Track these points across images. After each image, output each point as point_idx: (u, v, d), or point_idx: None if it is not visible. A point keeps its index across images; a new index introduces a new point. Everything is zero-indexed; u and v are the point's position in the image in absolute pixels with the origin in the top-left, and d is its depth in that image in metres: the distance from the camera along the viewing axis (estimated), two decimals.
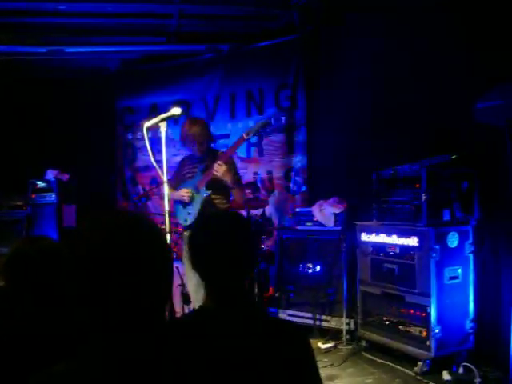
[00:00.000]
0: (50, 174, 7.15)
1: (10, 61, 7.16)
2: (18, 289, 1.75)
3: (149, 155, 3.62)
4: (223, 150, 4.93)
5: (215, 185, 4.49)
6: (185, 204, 4.62)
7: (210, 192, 4.48)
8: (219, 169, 4.34)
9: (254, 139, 6.74)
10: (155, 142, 4.98)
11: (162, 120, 3.44)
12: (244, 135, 4.47)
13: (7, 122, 7.41)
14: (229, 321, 1.61)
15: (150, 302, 1.13)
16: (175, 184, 4.70)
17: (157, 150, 3.88)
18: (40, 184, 7.12)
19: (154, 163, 3.51)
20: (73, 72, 7.84)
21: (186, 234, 4.53)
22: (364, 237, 4.74)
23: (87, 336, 1.50)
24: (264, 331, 1.61)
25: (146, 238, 1.16)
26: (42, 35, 6.58)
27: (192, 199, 4.56)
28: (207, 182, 4.49)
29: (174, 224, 5.14)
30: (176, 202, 4.68)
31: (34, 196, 7.12)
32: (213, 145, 4.97)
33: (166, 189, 3.45)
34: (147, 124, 3.59)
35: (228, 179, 4.45)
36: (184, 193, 4.54)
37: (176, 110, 3.39)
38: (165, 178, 3.45)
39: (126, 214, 1.34)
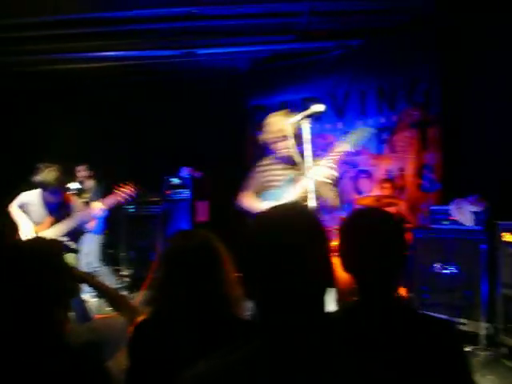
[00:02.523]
0: (185, 172, 7.49)
1: (146, 64, 7.61)
2: (174, 280, 1.81)
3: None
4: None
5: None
6: None
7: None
8: (322, 175, 3.72)
9: (385, 135, 6.62)
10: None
11: (305, 117, 3.42)
12: (344, 145, 3.88)
13: (145, 123, 7.87)
14: (381, 316, 1.59)
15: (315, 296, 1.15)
16: (254, 192, 4.15)
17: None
18: (175, 181, 7.49)
19: (299, 159, 3.48)
20: (204, 73, 8.14)
21: None
22: (506, 237, 4.48)
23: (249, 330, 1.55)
24: (416, 327, 1.58)
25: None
26: (176, 39, 6.90)
27: None
28: (301, 195, 3.83)
29: None
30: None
31: (169, 192, 7.50)
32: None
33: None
34: (290, 120, 3.60)
35: (330, 187, 3.92)
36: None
37: (318, 107, 3.35)
38: (305, 172, 3.44)
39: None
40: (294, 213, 1.23)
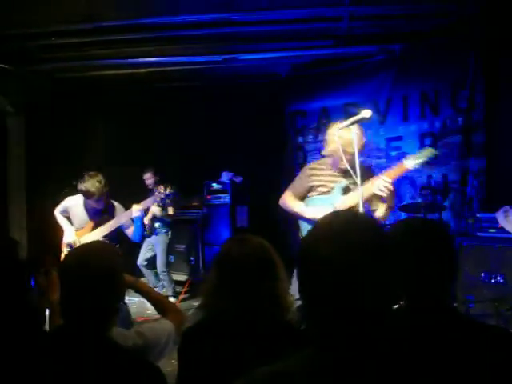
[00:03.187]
0: (225, 176, 7.53)
1: (187, 70, 7.68)
2: (227, 287, 1.80)
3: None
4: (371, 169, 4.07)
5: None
6: None
7: None
8: (388, 187, 3.58)
9: (428, 141, 6.52)
10: None
11: (353, 123, 3.36)
12: (406, 165, 3.71)
13: (186, 126, 7.94)
14: (432, 323, 1.56)
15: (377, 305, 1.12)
16: (300, 194, 4.04)
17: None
18: (215, 186, 7.54)
19: (358, 167, 3.40)
20: (245, 78, 8.18)
21: None
22: None
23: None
24: (470, 335, 1.54)
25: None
26: (217, 45, 6.95)
27: None
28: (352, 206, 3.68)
29: None
30: (302, 219, 3.98)
31: (209, 197, 7.55)
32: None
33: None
34: (339, 126, 3.56)
35: (391, 201, 3.76)
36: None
37: (366, 113, 3.28)
38: (359, 181, 3.39)
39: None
40: (360, 223, 1.19)
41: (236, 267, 1.75)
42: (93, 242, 2.01)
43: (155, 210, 6.37)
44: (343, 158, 3.64)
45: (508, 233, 4.95)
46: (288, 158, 7.90)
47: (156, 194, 4.93)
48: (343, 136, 3.64)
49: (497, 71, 5.95)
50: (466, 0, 5.80)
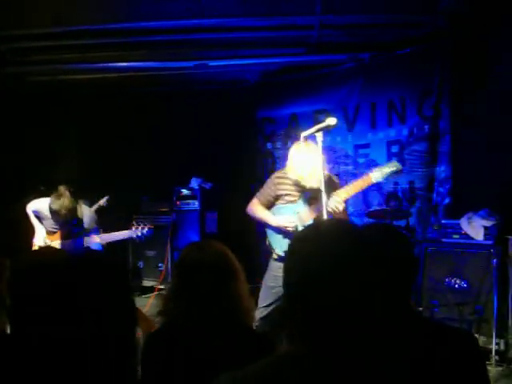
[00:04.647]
0: (194, 182, 7.52)
1: (157, 76, 7.66)
2: (188, 292, 1.81)
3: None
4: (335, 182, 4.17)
5: None
6: (284, 233, 4.00)
7: None
8: (338, 208, 3.71)
9: (395, 148, 6.62)
10: None
11: (318, 130, 3.42)
12: (372, 178, 3.84)
13: (155, 133, 7.91)
14: (400, 328, 1.59)
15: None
16: (267, 202, 4.16)
17: None
18: (184, 191, 7.51)
19: (323, 178, 3.48)
20: (215, 84, 8.19)
21: (279, 264, 3.99)
22: None
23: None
24: (432, 337, 1.58)
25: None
26: (188, 51, 6.96)
27: (295, 232, 3.87)
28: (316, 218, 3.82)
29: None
30: (269, 227, 4.09)
31: (178, 203, 7.52)
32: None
33: None
34: (304, 134, 3.61)
35: (343, 215, 3.89)
36: (288, 223, 3.91)
37: (331, 120, 3.36)
38: (322, 187, 3.44)
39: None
40: (345, 230, 1.24)
41: (193, 272, 1.77)
42: (42, 248, 2.00)
43: None
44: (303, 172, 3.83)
45: (471, 239, 5.05)
46: (257, 164, 7.92)
47: (133, 230, 4.85)
48: (303, 165, 3.84)
49: (462, 80, 6.08)
50: (435, 12, 5.93)
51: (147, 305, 6.80)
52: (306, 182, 3.91)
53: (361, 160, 6.95)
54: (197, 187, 7.34)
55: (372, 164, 6.77)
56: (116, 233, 4.77)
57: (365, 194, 6.89)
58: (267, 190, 4.18)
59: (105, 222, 5.30)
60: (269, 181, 4.21)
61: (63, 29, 5.89)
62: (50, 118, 7.52)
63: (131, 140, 7.91)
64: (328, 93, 7.30)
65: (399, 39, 6.65)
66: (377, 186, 6.77)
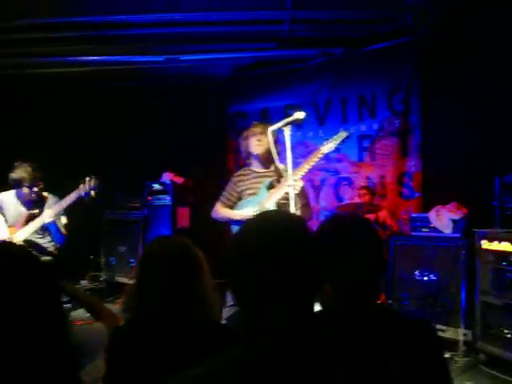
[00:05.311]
0: (166, 177, 7.46)
1: (128, 70, 7.59)
2: (150, 287, 1.80)
3: None
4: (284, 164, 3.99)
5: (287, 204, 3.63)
6: None
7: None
8: (297, 185, 3.66)
9: (366, 143, 6.68)
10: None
11: (286, 124, 3.42)
12: (322, 149, 3.87)
13: (126, 127, 7.83)
14: (360, 320, 1.60)
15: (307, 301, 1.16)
16: (230, 202, 4.15)
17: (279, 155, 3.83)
18: (156, 186, 7.45)
19: (278, 165, 3.53)
20: (186, 79, 8.15)
21: None
22: (484, 245, 4.50)
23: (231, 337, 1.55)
24: (396, 330, 1.59)
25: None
26: (159, 45, 6.90)
27: None
28: (278, 201, 3.86)
29: None
30: (234, 223, 4.02)
31: (150, 198, 7.47)
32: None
33: None
34: (272, 128, 3.61)
35: (302, 198, 3.90)
36: (252, 212, 3.83)
37: (299, 114, 3.36)
38: (289, 180, 3.45)
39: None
40: (283, 218, 1.25)
41: (156, 267, 1.76)
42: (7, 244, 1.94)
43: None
44: (253, 143, 3.97)
45: (440, 232, 5.13)
46: (229, 158, 7.91)
47: (80, 188, 4.70)
48: (265, 138, 3.85)
49: (431, 76, 6.16)
50: (404, 8, 5.99)
51: (119, 301, 6.75)
52: (263, 159, 4.00)
53: (332, 154, 6.97)
54: (168, 182, 7.29)
55: (343, 159, 6.83)
56: (65, 198, 4.68)
57: (336, 188, 6.94)
58: (229, 190, 4.21)
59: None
60: (229, 183, 4.24)
61: (28, 21, 5.79)
62: (18, 113, 7.40)
63: (102, 135, 7.82)
64: (299, 87, 7.32)
65: (370, 35, 6.70)
66: (348, 180, 6.83)
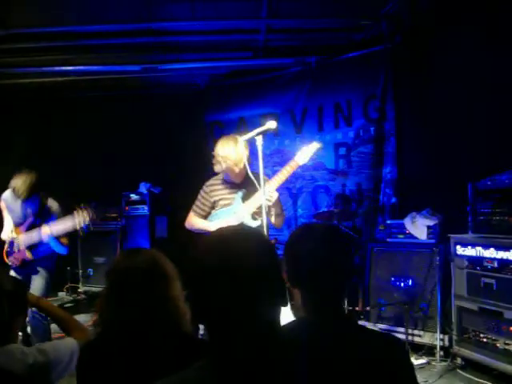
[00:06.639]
0: (143, 187, 7.44)
1: (105, 79, 7.56)
2: (117, 300, 1.79)
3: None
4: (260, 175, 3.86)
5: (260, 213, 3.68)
6: None
7: (258, 222, 3.83)
8: (272, 197, 3.72)
9: (342, 151, 6.72)
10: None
11: (258, 134, 3.43)
12: (297, 160, 3.93)
13: (102, 136, 7.79)
14: (328, 332, 1.60)
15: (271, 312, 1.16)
16: (203, 212, 4.15)
17: (251, 163, 3.82)
18: (133, 197, 7.43)
19: (251, 175, 3.55)
20: (164, 88, 8.15)
21: None
22: (459, 250, 4.56)
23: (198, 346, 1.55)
24: (363, 342, 1.60)
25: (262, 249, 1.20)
26: (136, 54, 6.90)
27: None
28: (253, 211, 3.90)
29: None
30: (207, 234, 4.03)
31: (127, 208, 7.44)
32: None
33: None
34: (244, 138, 3.62)
35: (277, 207, 3.94)
36: (227, 224, 3.83)
37: (271, 124, 3.38)
38: (262, 190, 3.46)
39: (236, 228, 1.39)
40: (244, 234, 1.25)
41: (121, 279, 1.75)
42: None
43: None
44: (234, 172, 3.90)
45: (415, 238, 5.18)
46: (207, 168, 7.88)
47: (75, 218, 4.64)
48: (228, 155, 3.83)
49: (406, 84, 6.22)
50: (379, 17, 6.07)
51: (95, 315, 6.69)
52: (234, 167, 3.91)
53: (309, 162, 6.99)
54: (146, 192, 7.27)
55: (320, 167, 6.86)
56: (62, 224, 4.60)
57: (313, 196, 6.97)
58: (201, 200, 4.17)
59: None
60: (201, 192, 4.21)
61: (6, 32, 5.75)
62: None
63: (78, 145, 7.78)
64: (275, 96, 7.35)
65: (345, 43, 6.78)
66: (325, 188, 6.86)
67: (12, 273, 4.59)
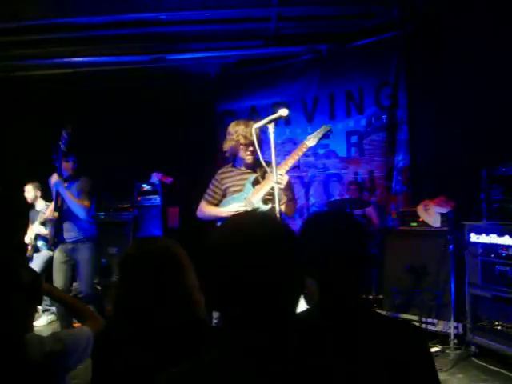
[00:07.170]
0: (155, 178, 7.44)
1: (115, 70, 7.56)
2: (130, 288, 1.79)
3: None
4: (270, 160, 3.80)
5: (272, 199, 3.65)
6: None
7: (269, 207, 3.81)
8: (282, 180, 3.63)
9: (354, 138, 6.68)
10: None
11: (270, 121, 3.41)
12: (306, 143, 3.86)
13: (115, 128, 7.80)
14: (345, 321, 1.59)
15: (285, 300, 1.15)
16: (215, 200, 4.10)
17: (263, 152, 3.75)
18: (145, 187, 7.43)
19: (262, 161, 3.53)
20: (174, 78, 8.12)
21: None
22: (473, 237, 4.53)
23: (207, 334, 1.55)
24: (381, 330, 1.59)
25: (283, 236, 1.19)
26: (145, 45, 6.88)
27: None
28: (263, 197, 3.86)
29: None
30: (221, 221, 3.95)
31: (139, 198, 7.44)
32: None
33: None
34: (256, 125, 3.60)
35: (288, 192, 3.85)
36: (239, 209, 3.85)
37: (283, 112, 3.36)
38: (274, 176, 3.44)
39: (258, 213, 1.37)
40: (260, 220, 1.23)
41: (134, 266, 1.75)
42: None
43: (37, 229, 6.46)
44: (244, 151, 3.89)
45: (429, 226, 5.14)
46: (218, 157, 7.89)
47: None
48: (239, 129, 3.88)
49: (418, 70, 6.17)
50: (391, 3, 6.00)
51: (110, 303, 6.74)
52: (244, 145, 3.91)
53: (321, 151, 6.99)
54: (157, 182, 7.28)
55: (332, 155, 6.84)
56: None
57: (325, 184, 6.95)
58: (213, 188, 4.14)
59: None
60: (212, 180, 4.18)
61: (18, 24, 5.76)
62: (6, 116, 7.36)
63: (90, 136, 7.79)
64: (286, 85, 7.32)
65: (356, 30, 6.71)
66: (337, 177, 6.84)
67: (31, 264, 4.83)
